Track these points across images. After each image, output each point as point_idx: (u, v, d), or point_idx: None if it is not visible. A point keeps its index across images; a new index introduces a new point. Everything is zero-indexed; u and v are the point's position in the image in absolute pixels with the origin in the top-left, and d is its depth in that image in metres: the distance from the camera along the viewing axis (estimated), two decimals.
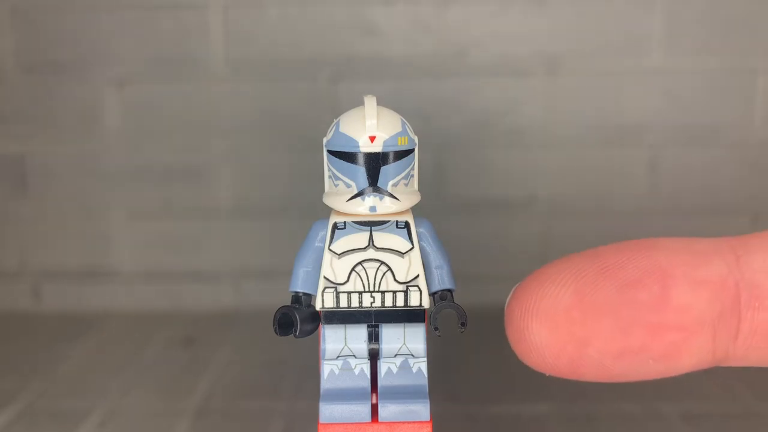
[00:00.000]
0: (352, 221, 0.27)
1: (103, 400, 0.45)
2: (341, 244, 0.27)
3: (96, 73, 0.59)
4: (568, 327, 0.20)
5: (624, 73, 0.58)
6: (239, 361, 0.51)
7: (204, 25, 0.58)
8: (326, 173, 0.28)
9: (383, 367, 0.27)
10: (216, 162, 0.60)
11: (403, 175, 0.27)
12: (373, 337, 0.27)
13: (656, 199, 0.59)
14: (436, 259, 0.28)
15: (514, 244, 0.60)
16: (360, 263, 0.27)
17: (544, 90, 0.58)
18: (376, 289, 0.27)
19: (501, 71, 0.58)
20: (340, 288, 0.27)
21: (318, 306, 0.27)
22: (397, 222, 0.27)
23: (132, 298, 0.62)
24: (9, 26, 0.59)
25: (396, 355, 0.27)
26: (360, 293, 0.27)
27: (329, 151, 0.28)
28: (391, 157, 0.27)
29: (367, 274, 0.27)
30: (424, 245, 0.28)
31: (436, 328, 0.27)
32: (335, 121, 0.28)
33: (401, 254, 0.27)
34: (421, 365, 0.27)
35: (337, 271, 0.27)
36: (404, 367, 0.27)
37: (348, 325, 0.27)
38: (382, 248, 0.27)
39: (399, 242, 0.27)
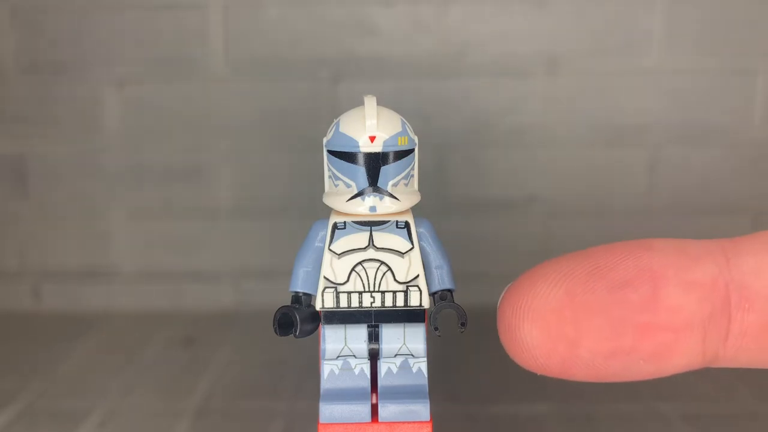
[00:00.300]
0: (352, 221, 0.27)
1: (103, 400, 0.45)
2: (341, 244, 0.27)
3: (96, 73, 0.59)
4: (559, 327, 0.20)
5: (624, 73, 0.58)
6: (239, 361, 0.51)
7: (204, 25, 0.58)
8: (326, 173, 0.28)
9: (383, 367, 0.27)
10: (216, 162, 0.60)
11: (403, 175, 0.27)
12: (373, 337, 0.27)
13: (656, 198, 0.59)
14: (436, 259, 0.28)
15: (514, 244, 0.60)
16: (360, 263, 0.27)
17: (544, 90, 0.58)
18: (376, 289, 0.27)
19: (501, 71, 0.58)
20: (340, 288, 0.27)
21: (318, 306, 0.27)
22: (397, 222, 0.27)
23: (132, 298, 0.62)
24: (9, 26, 0.59)
25: (396, 355, 0.27)
26: (360, 293, 0.27)
27: (329, 151, 0.28)
28: (391, 157, 0.27)
29: (367, 274, 0.27)
30: (424, 245, 0.28)
31: (436, 328, 0.27)
32: (335, 121, 0.28)
33: (401, 254, 0.27)
34: (421, 365, 0.27)
35: (337, 271, 0.27)
36: (404, 367, 0.27)
37: (348, 325, 0.27)
38: (382, 248, 0.27)
39: (399, 242, 0.27)
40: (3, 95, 0.60)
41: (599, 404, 0.43)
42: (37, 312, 0.62)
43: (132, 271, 0.62)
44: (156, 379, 0.48)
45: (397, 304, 0.27)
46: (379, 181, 0.27)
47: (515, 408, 0.43)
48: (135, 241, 0.61)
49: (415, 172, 0.28)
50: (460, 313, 0.27)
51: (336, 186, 0.28)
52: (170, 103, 0.59)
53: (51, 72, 0.59)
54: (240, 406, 0.45)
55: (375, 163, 0.27)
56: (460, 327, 0.27)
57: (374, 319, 0.27)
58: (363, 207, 0.27)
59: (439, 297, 0.28)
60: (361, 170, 0.27)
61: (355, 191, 0.27)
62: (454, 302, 0.27)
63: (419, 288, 0.27)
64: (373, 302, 0.27)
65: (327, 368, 0.27)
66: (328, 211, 0.28)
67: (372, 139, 0.27)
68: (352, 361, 0.27)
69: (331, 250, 0.27)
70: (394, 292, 0.27)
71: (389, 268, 0.27)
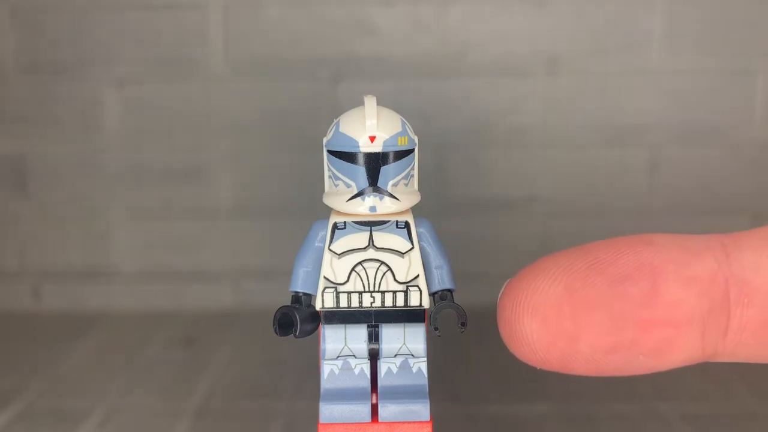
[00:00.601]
0: (352, 221, 0.27)
1: (103, 400, 0.45)
2: (341, 244, 0.27)
3: (96, 73, 0.59)
4: (559, 321, 0.20)
5: (624, 73, 0.58)
6: (239, 361, 0.51)
7: (204, 25, 0.58)
8: (326, 173, 0.28)
9: (383, 367, 0.27)
10: (216, 162, 0.60)
11: (403, 175, 0.27)
12: (373, 337, 0.27)
13: (656, 198, 0.59)
14: (436, 259, 0.28)
15: (514, 244, 0.60)
16: (360, 263, 0.27)
17: (544, 90, 0.58)
18: (376, 289, 0.27)
19: (501, 71, 0.58)
20: (340, 288, 0.27)
21: (318, 306, 0.27)
22: (397, 222, 0.27)
23: (132, 298, 0.62)
24: (9, 26, 0.59)
25: (396, 355, 0.27)
26: (360, 293, 0.27)
27: (329, 151, 0.28)
28: (391, 157, 0.27)
29: (367, 274, 0.27)
30: (424, 245, 0.28)
31: (436, 328, 0.27)
32: (335, 121, 0.28)
33: (401, 254, 0.27)
34: (421, 365, 0.27)
35: (337, 271, 0.27)
36: (404, 367, 0.27)
37: (348, 325, 0.27)
38: (382, 248, 0.27)
39: (399, 242, 0.27)
40: (3, 95, 0.60)
41: (599, 404, 0.43)
42: (37, 312, 0.62)
43: (132, 271, 0.62)
44: (156, 379, 0.48)
45: (397, 304, 0.27)
46: (379, 181, 0.27)
47: (515, 408, 0.43)
48: (135, 241, 0.61)
49: (415, 172, 0.28)
50: (460, 313, 0.27)
51: (336, 186, 0.28)
52: (170, 103, 0.59)
53: (51, 72, 0.59)
54: (240, 406, 0.45)
55: (375, 163, 0.27)
56: (460, 327, 0.27)
57: (374, 319, 0.27)
58: (363, 207, 0.27)
59: (439, 297, 0.28)
60: (361, 170, 0.27)
61: (355, 191, 0.27)
62: (454, 302, 0.27)
63: (419, 288, 0.27)
64: (373, 302, 0.27)
65: (327, 368, 0.27)
66: (328, 211, 0.28)
67: (372, 139, 0.27)
68: (352, 361, 0.27)
69: (331, 250, 0.27)
70: (394, 292, 0.27)
71: (389, 268, 0.27)
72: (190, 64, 0.59)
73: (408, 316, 0.27)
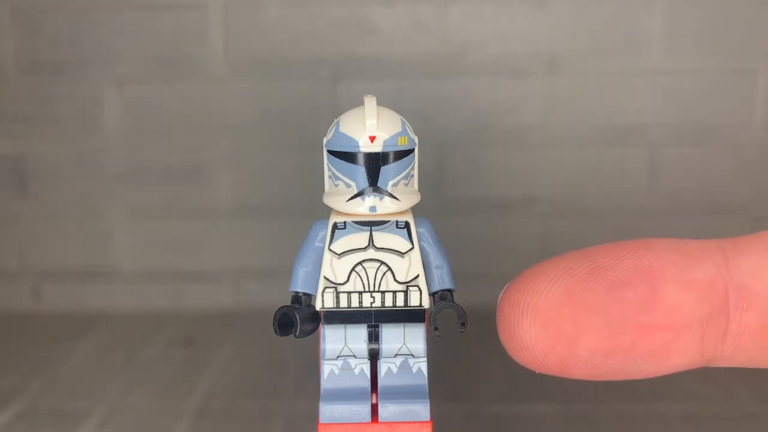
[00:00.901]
0: (352, 221, 0.27)
1: (103, 400, 0.45)
2: (341, 244, 0.27)
3: (96, 73, 0.59)
4: (558, 325, 0.20)
5: (624, 73, 0.58)
6: (239, 361, 0.51)
7: (204, 25, 0.58)
8: (326, 173, 0.28)
9: (383, 367, 0.27)
10: (216, 162, 0.60)
11: (403, 175, 0.27)
12: (373, 337, 0.27)
13: (656, 198, 0.59)
14: (436, 259, 0.28)
15: (513, 244, 0.60)
16: (360, 263, 0.27)
17: (544, 90, 0.58)
18: (376, 289, 0.27)
19: (501, 71, 0.58)
20: (340, 288, 0.27)
21: (318, 306, 0.27)
22: (397, 222, 0.27)
23: (132, 298, 0.62)
24: (9, 26, 0.59)
25: (396, 355, 0.27)
26: (360, 293, 0.27)
27: (329, 151, 0.28)
28: (391, 157, 0.27)
29: (367, 274, 0.27)
30: (424, 245, 0.28)
31: (436, 328, 0.27)
32: (335, 121, 0.28)
33: (401, 254, 0.27)
34: (421, 365, 0.27)
35: (337, 271, 0.27)
36: (404, 367, 0.27)
37: (348, 325, 0.27)
38: (382, 248, 0.27)
39: (399, 242, 0.27)
40: (3, 95, 0.60)
41: (599, 404, 0.43)
42: (37, 312, 0.62)
43: (132, 271, 0.62)
44: (156, 379, 0.48)
45: (397, 304, 0.27)
46: (379, 181, 0.27)
47: (515, 408, 0.43)
48: (135, 241, 0.61)
49: (415, 172, 0.28)
50: (460, 313, 0.27)
51: (336, 186, 0.28)
52: (170, 103, 0.59)
53: (51, 72, 0.59)
54: (240, 406, 0.45)
55: (375, 163, 0.27)
56: (460, 327, 0.27)
57: (374, 319, 0.27)
58: (363, 207, 0.27)
59: (439, 297, 0.28)
60: (361, 170, 0.27)
61: (355, 191, 0.27)
62: (454, 302, 0.27)
63: (419, 288, 0.27)
64: (373, 302, 0.27)
65: (327, 368, 0.27)
66: (328, 211, 0.28)
67: (372, 139, 0.27)
68: (352, 361, 0.27)
69: (331, 250, 0.27)
70: (394, 292, 0.27)
71: (389, 268, 0.27)
72: (190, 64, 0.59)
73: (408, 316, 0.27)
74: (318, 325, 0.27)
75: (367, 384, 0.27)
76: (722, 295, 0.20)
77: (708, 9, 0.57)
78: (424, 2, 0.58)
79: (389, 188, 0.27)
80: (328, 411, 0.26)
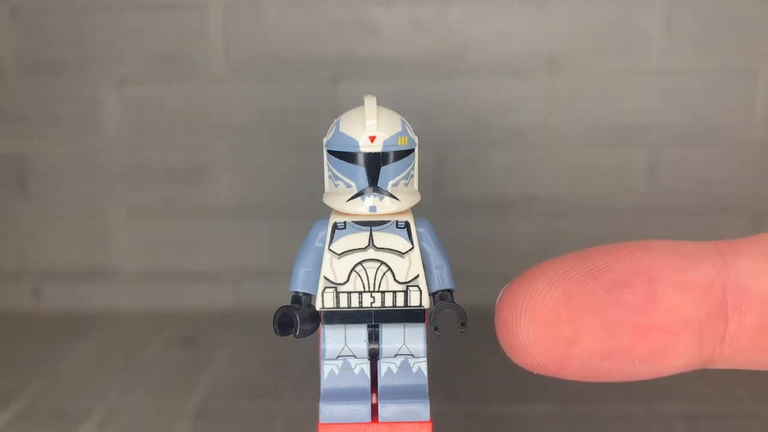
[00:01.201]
0: (352, 221, 0.27)
1: (103, 400, 0.45)
2: (341, 244, 0.27)
3: (96, 73, 0.59)
4: (556, 326, 0.20)
5: (624, 73, 0.58)
6: (239, 361, 0.51)
7: (204, 25, 0.58)
8: (326, 173, 0.28)
9: (383, 367, 0.27)
10: (216, 162, 0.60)
11: (403, 175, 0.27)
12: (373, 337, 0.27)
13: (656, 198, 0.59)
14: (436, 259, 0.28)
15: (514, 244, 0.60)
16: (360, 263, 0.27)
17: (544, 90, 0.58)
18: (376, 289, 0.27)
19: (501, 71, 0.58)
20: (340, 288, 0.27)
21: (318, 306, 0.27)
22: (397, 222, 0.27)
23: (132, 298, 0.62)
24: (9, 26, 0.59)
25: (396, 355, 0.27)
26: (360, 293, 0.27)
27: (329, 151, 0.28)
28: (391, 157, 0.27)
29: (367, 274, 0.27)
30: (424, 245, 0.28)
31: (436, 328, 0.27)
32: (335, 121, 0.28)
33: (401, 254, 0.27)
34: (421, 365, 0.27)
35: (337, 271, 0.27)
36: (404, 367, 0.27)
37: (348, 325, 0.27)
38: (382, 248, 0.27)
39: (399, 242, 0.27)
40: (3, 95, 0.60)
41: (599, 404, 0.43)
42: (37, 312, 0.62)
43: (132, 271, 0.62)
44: (156, 379, 0.48)
45: (397, 304, 0.27)
46: (379, 181, 0.27)
47: (515, 408, 0.43)
48: (135, 241, 0.61)
49: (415, 172, 0.28)
50: (460, 313, 0.27)
51: (336, 186, 0.28)
52: (170, 103, 0.59)
53: (51, 72, 0.59)
54: (240, 406, 0.45)
55: (375, 163, 0.27)
56: (460, 327, 0.27)
57: (374, 319, 0.27)
58: (363, 207, 0.27)
59: (439, 297, 0.28)
60: (361, 170, 0.27)
61: (355, 191, 0.27)
62: (454, 302, 0.27)
63: (419, 288, 0.27)
64: (373, 302, 0.27)
65: (327, 368, 0.27)
66: (328, 211, 0.28)
67: (372, 139, 0.27)
68: (352, 361, 0.27)
69: (331, 250, 0.27)
70: (394, 292, 0.27)
71: (389, 268, 0.27)
72: (190, 64, 0.59)
73: (408, 316, 0.27)
74: (318, 325, 0.27)
75: (367, 384, 0.27)
76: (720, 297, 0.20)
77: (708, 9, 0.57)
78: (424, 2, 0.58)
79: (389, 188, 0.27)
80: (328, 411, 0.26)
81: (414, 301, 0.27)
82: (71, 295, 0.62)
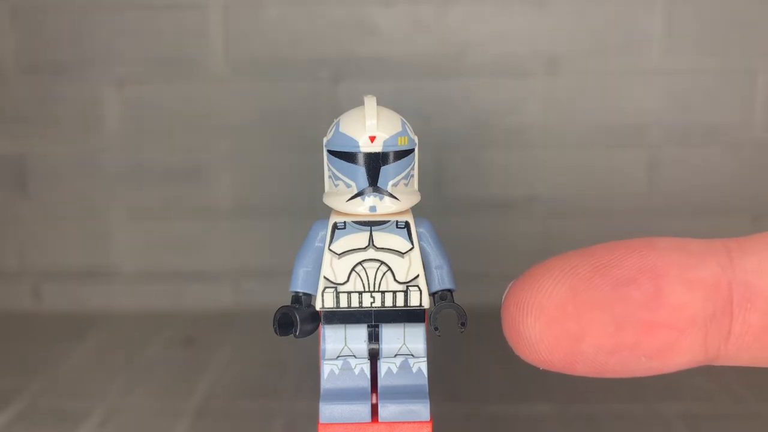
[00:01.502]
0: (352, 221, 0.27)
1: (103, 400, 0.45)
2: (341, 244, 0.27)
3: (96, 73, 0.59)
4: (563, 322, 0.21)
5: (624, 73, 0.58)
6: (239, 361, 0.51)
7: (204, 25, 0.58)
8: (326, 173, 0.28)
9: (383, 367, 0.27)
10: (216, 162, 0.60)
11: (403, 175, 0.27)
12: (373, 337, 0.27)
13: (656, 198, 0.59)
14: (436, 259, 0.28)
15: (513, 244, 0.60)
16: (360, 263, 0.27)
17: (544, 90, 0.58)
18: (376, 289, 0.27)
19: (501, 71, 0.58)
20: (340, 288, 0.27)
21: (318, 306, 0.27)
22: (397, 222, 0.27)
23: (132, 298, 0.62)
24: (9, 26, 0.59)
25: (396, 355, 0.27)
26: (360, 293, 0.27)
27: (329, 151, 0.28)
28: (391, 157, 0.27)
29: (367, 274, 0.27)
30: (424, 245, 0.28)
31: (436, 328, 0.27)
32: (335, 121, 0.28)
33: (401, 254, 0.27)
34: (421, 365, 0.27)
35: (337, 271, 0.27)
36: (404, 367, 0.27)
37: (348, 325, 0.27)
38: (382, 248, 0.27)
39: (399, 242, 0.27)
40: (3, 95, 0.60)
41: (600, 404, 0.43)
42: (37, 312, 0.62)
43: (132, 271, 0.62)
44: (156, 379, 0.48)
45: (397, 304, 0.27)
46: (379, 181, 0.27)
47: (515, 408, 0.43)
48: (135, 241, 0.61)
49: (415, 172, 0.28)
50: (460, 313, 0.27)
51: (336, 186, 0.28)
52: (170, 103, 0.59)
53: (51, 72, 0.59)
54: (240, 406, 0.45)
55: (375, 163, 0.27)
56: (460, 327, 0.27)
57: (374, 319, 0.27)
58: (363, 207, 0.27)
59: (439, 297, 0.28)
60: (361, 170, 0.27)
61: (355, 191, 0.27)
62: (454, 302, 0.27)
63: (419, 288, 0.27)
64: (373, 302, 0.27)
65: (327, 368, 0.27)
66: (328, 211, 0.28)
67: (372, 139, 0.27)
68: (352, 361, 0.27)
69: (331, 250, 0.27)
70: (394, 292, 0.27)
71: (389, 268, 0.27)
72: (190, 64, 0.59)
73: (408, 316, 0.27)
74: (318, 325, 0.27)
75: (367, 384, 0.27)
76: (726, 294, 0.20)
77: (708, 9, 0.57)
78: (424, 2, 0.58)
79: (389, 188, 0.27)
80: (328, 411, 0.26)
81: (414, 301, 0.27)
82: (71, 295, 0.62)
